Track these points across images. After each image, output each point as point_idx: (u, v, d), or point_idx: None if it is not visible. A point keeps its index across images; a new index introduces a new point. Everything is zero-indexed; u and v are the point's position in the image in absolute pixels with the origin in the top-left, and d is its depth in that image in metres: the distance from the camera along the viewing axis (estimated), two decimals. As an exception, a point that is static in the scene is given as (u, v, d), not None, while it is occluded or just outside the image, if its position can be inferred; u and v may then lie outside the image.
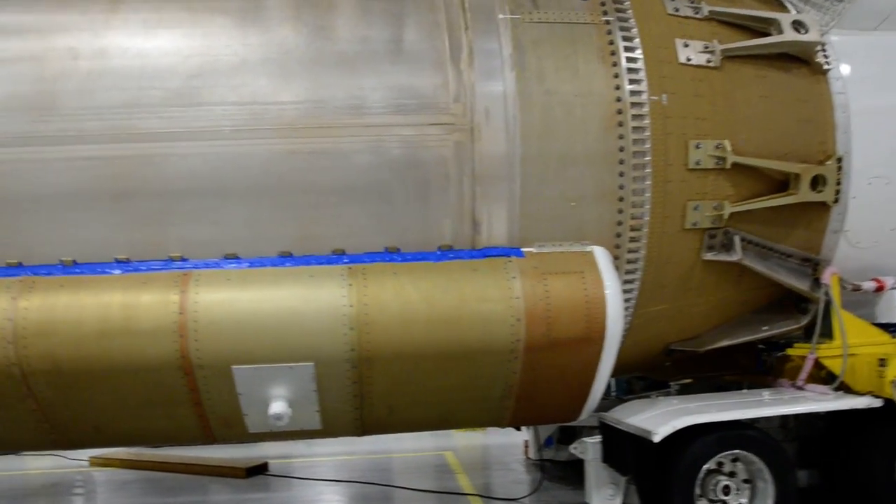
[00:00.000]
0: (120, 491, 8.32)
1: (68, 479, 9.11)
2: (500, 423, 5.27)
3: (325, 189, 4.62)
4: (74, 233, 4.54)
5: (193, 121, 4.52)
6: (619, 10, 5.06)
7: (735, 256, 5.14)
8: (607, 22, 5.02)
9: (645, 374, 7.28)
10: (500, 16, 4.95)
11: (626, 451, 5.18)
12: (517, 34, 4.92)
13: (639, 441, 4.93)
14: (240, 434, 4.85)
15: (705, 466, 4.98)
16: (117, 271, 4.50)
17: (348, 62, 4.76)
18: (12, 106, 4.51)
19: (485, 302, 4.57)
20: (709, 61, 5.12)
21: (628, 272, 5.02)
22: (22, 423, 4.73)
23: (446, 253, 4.73)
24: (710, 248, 5.20)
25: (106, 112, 4.51)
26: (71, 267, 4.51)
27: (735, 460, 5.07)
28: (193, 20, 4.77)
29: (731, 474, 5.07)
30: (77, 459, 9.71)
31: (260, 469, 8.59)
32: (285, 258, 4.57)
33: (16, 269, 4.50)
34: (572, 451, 5.72)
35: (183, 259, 4.53)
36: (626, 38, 4.99)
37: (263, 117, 4.57)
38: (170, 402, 4.57)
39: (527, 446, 8.50)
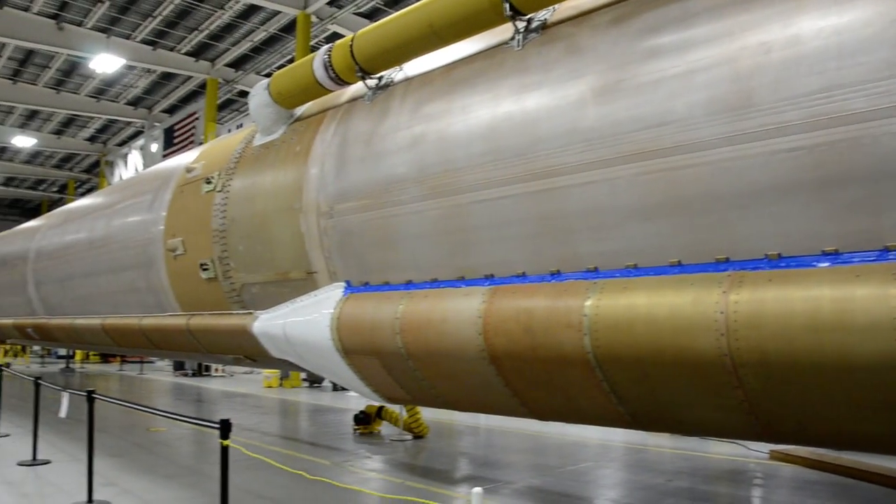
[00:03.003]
0: (800, 490, 8.07)
1: (748, 468, 9.31)
2: None
3: None
4: (777, 226, 4.51)
5: (907, 92, 4.01)
6: None
7: None
8: None
9: None
10: None
11: None
12: None
13: None
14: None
15: None
16: (825, 264, 4.30)
17: None
18: (712, 109, 4.73)
19: None
20: None
21: None
22: (727, 411, 4.93)
23: None
24: None
25: (804, 100, 4.35)
26: (776, 261, 4.50)
27: None
28: (896, -21, 4.25)
29: None
30: (757, 451, 9.87)
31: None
32: None
33: (724, 264, 4.72)
34: None
35: (902, 248, 4.07)
36: None
37: None
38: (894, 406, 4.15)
39: None
